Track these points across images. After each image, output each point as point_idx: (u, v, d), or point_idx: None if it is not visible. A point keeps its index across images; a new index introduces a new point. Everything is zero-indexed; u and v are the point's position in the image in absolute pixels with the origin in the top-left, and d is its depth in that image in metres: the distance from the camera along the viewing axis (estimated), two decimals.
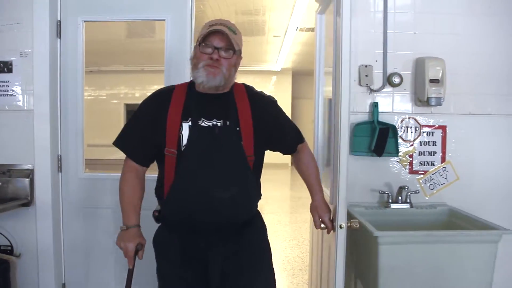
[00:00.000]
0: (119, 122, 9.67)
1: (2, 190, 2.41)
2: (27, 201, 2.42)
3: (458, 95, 2.36)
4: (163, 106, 1.59)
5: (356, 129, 2.31)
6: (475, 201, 2.35)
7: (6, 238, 2.45)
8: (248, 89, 1.71)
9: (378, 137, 2.28)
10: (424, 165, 2.38)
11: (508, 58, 2.38)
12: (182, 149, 1.55)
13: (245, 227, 1.66)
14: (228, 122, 1.58)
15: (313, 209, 1.84)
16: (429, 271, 1.85)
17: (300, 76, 12.08)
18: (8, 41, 2.43)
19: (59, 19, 2.47)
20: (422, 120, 2.38)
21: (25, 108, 2.45)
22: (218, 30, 1.54)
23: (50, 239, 2.47)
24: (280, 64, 10.72)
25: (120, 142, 1.67)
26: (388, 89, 2.36)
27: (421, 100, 2.30)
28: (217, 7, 5.47)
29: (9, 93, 2.45)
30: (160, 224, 1.70)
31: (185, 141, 1.55)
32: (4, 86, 2.44)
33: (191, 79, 1.65)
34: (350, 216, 1.81)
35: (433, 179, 2.38)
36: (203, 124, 1.57)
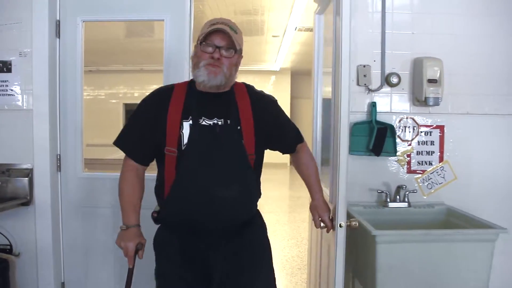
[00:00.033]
0: (118, 122, 9.67)
1: (2, 189, 2.41)
2: (26, 201, 2.42)
3: (456, 95, 2.37)
4: (163, 105, 1.59)
5: (354, 129, 2.31)
6: (473, 200, 2.36)
7: (6, 237, 2.46)
8: (249, 88, 1.71)
9: (376, 137, 2.29)
10: (422, 164, 2.39)
11: (506, 58, 2.39)
12: (183, 148, 1.55)
13: (246, 226, 1.66)
14: (229, 121, 1.58)
15: (313, 208, 1.85)
16: (427, 269, 1.86)
17: (299, 76, 12.10)
18: (7, 40, 2.43)
19: (58, 19, 2.48)
20: (420, 119, 2.39)
21: (24, 107, 2.46)
22: (220, 29, 1.53)
23: (49, 238, 2.47)
24: (279, 64, 10.73)
25: (120, 142, 1.66)
26: (386, 89, 2.37)
27: (419, 100, 2.31)
28: (216, 7, 5.48)
29: (8, 93, 2.45)
30: (159, 225, 1.69)
31: (185, 140, 1.55)
32: (3, 85, 2.44)
33: (191, 78, 1.64)
34: (348, 215, 1.82)
35: (431, 178, 2.39)
36: (204, 123, 1.57)
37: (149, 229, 1.70)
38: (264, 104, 1.69)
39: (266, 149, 1.73)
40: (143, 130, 1.62)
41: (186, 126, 1.55)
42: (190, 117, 1.56)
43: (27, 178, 2.42)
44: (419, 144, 2.39)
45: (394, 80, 2.34)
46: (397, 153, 2.37)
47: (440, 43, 2.35)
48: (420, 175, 2.39)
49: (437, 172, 2.39)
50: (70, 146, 2.53)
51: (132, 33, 6.56)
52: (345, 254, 1.78)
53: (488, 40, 2.38)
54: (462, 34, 2.37)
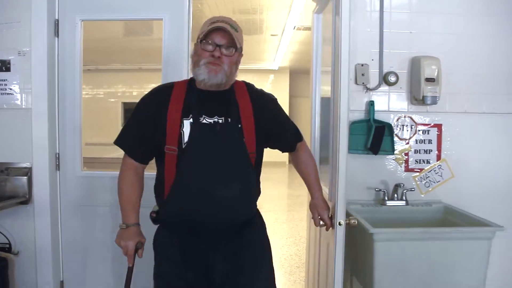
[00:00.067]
0: (117, 121, 9.67)
1: (0, 188, 2.42)
2: (25, 199, 2.43)
3: (453, 94, 2.38)
4: (163, 103, 1.58)
5: (352, 128, 2.32)
6: (470, 198, 2.37)
7: (4, 236, 2.46)
8: (249, 86, 1.70)
9: (374, 135, 2.30)
10: (419, 163, 2.40)
11: (504, 57, 2.40)
12: (184, 146, 1.54)
13: (246, 226, 1.65)
14: (229, 119, 1.58)
15: (313, 207, 1.85)
16: (424, 267, 1.88)
17: (298, 75, 12.10)
18: (6, 40, 2.44)
19: (57, 18, 2.48)
20: (417, 118, 2.40)
21: (23, 106, 2.46)
22: (220, 27, 1.52)
23: (48, 237, 2.48)
24: (278, 62, 10.72)
25: (119, 141, 1.66)
26: (384, 87, 2.37)
27: (416, 99, 2.32)
28: (214, 6, 5.48)
29: (7, 92, 2.45)
30: (158, 225, 1.69)
31: (186, 138, 1.54)
32: (2, 84, 2.45)
33: (191, 76, 1.63)
34: (346, 214, 1.83)
35: (428, 176, 2.40)
36: (204, 121, 1.56)
37: (149, 228, 1.70)
38: (264, 102, 1.69)
39: (266, 147, 1.73)
40: (143, 128, 1.61)
41: (187, 124, 1.55)
42: (191, 115, 1.55)
43: (26, 177, 2.43)
44: (416, 143, 2.40)
45: (392, 79, 2.35)
46: (395, 152, 2.38)
47: (438, 42, 2.36)
48: (417, 174, 2.40)
49: (434, 171, 2.40)
50: (69, 145, 2.53)
51: (130, 32, 6.56)
52: (344, 252, 1.79)
53: (486, 39, 2.39)
54: (460, 33, 2.38)
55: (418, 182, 2.40)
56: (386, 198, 2.31)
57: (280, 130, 1.75)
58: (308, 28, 5.67)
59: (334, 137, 1.84)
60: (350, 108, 2.33)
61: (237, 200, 1.58)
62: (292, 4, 5.49)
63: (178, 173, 1.54)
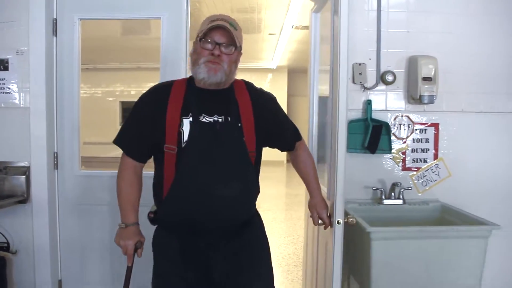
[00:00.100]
0: (115, 120, 9.65)
1: None
2: (24, 198, 2.43)
3: (450, 93, 2.39)
4: (162, 102, 1.56)
5: (350, 127, 2.33)
6: (467, 197, 2.38)
7: (3, 235, 2.46)
8: (248, 85, 1.69)
9: (372, 135, 2.31)
10: (416, 162, 2.41)
11: (502, 57, 2.41)
12: (183, 145, 1.52)
13: (245, 226, 1.65)
14: (229, 118, 1.57)
15: (312, 206, 1.86)
16: (421, 266, 1.89)
17: (296, 74, 12.10)
18: (4, 39, 2.43)
19: (55, 17, 2.48)
20: (415, 117, 2.41)
21: (21, 105, 2.46)
22: (220, 26, 1.51)
23: (47, 236, 2.48)
24: (276, 61, 10.73)
25: (118, 140, 1.65)
26: (382, 87, 2.38)
27: (414, 98, 2.33)
28: (212, 5, 5.48)
29: (5, 91, 2.45)
30: (157, 225, 1.68)
31: (186, 137, 1.52)
32: (0, 84, 2.45)
33: (190, 75, 1.63)
34: (344, 213, 1.84)
35: (425, 175, 2.41)
36: (204, 120, 1.55)
37: (148, 227, 1.69)
38: (263, 101, 1.68)
39: (265, 146, 1.72)
40: (141, 127, 1.60)
41: (186, 123, 1.53)
42: (190, 114, 1.54)
43: (24, 176, 2.43)
44: (414, 142, 2.41)
45: (389, 78, 2.35)
46: (392, 151, 2.39)
47: (435, 42, 2.37)
48: (415, 173, 2.41)
49: (431, 170, 2.41)
50: (67, 144, 2.53)
51: (128, 31, 6.55)
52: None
53: (483, 39, 2.40)
54: (457, 33, 2.39)
55: (415, 181, 2.41)
56: (383, 197, 2.32)
57: (280, 129, 1.75)
58: (306, 27, 5.68)
59: (333, 136, 1.84)
60: (348, 107, 2.34)
61: (237, 200, 1.58)
62: (290, 3, 5.49)
63: (178, 172, 1.53)
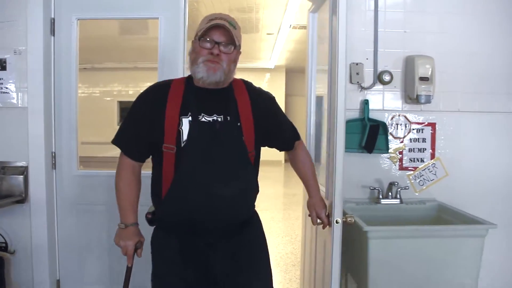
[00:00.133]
0: (113, 120, 9.64)
1: None
2: (22, 198, 2.43)
3: (447, 92, 2.40)
4: (160, 101, 1.55)
5: (347, 126, 2.32)
6: (464, 197, 2.40)
7: (1, 235, 2.46)
8: (247, 84, 1.69)
9: (369, 134, 2.32)
10: (414, 161, 2.42)
11: (499, 57, 2.43)
12: (182, 145, 1.51)
13: (244, 226, 1.65)
14: (228, 117, 1.56)
15: (310, 205, 1.86)
16: (418, 264, 1.90)
17: (294, 74, 12.11)
18: (2, 38, 2.43)
19: (53, 17, 2.48)
20: (412, 117, 2.42)
21: (19, 105, 2.46)
22: (219, 25, 1.50)
23: (45, 236, 2.48)
24: (274, 61, 10.73)
25: (117, 140, 1.64)
26: (379, 86, 2.39)
27: (411, 98, 2.34)
28: (210, 5, 5.48)
29: (3, 91, 2.45)
30: (154, 226, 1.67)
31: (185, 136, 1.51)
32: None
33: (189, 74, 1.62)
34: (343, 212, 1.84)
35: (422, 175, 2.42)
36: (203, 119, 1.54)
37: (148, 227, 1.68)
38: (262, 100, 1.68)
39: (264, 146, 1.72)
40: (139, 127, 1.59)
41: (185, 122, 1.52)
42: (189, 113, 1.53)
43: (22, 176, 2.43)
44: (411, 141, 2.42)
45: (386, 78, 2.36)
46: (389, 150, 2.40)
47: (432, 42, 2.38)
48: (412, 172, 2.42)
49: (428, 169, 2.42)
50: (65, 143, 2.53)
51: (126, 31, 6.53)
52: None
53: (480, 39, 2.42)
54: (453, 33, 2.40)
55: (412, 181, 2.42)
56: (381, 197, 2.33)
57: (279, 129, 1.75)
58: (304, 27, 5.69)
59: (331, 136, 1.84)
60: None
61: (236, 199, 1.57)
62: (288, 3, 5.50)
63: (177, 172, 1.52)
